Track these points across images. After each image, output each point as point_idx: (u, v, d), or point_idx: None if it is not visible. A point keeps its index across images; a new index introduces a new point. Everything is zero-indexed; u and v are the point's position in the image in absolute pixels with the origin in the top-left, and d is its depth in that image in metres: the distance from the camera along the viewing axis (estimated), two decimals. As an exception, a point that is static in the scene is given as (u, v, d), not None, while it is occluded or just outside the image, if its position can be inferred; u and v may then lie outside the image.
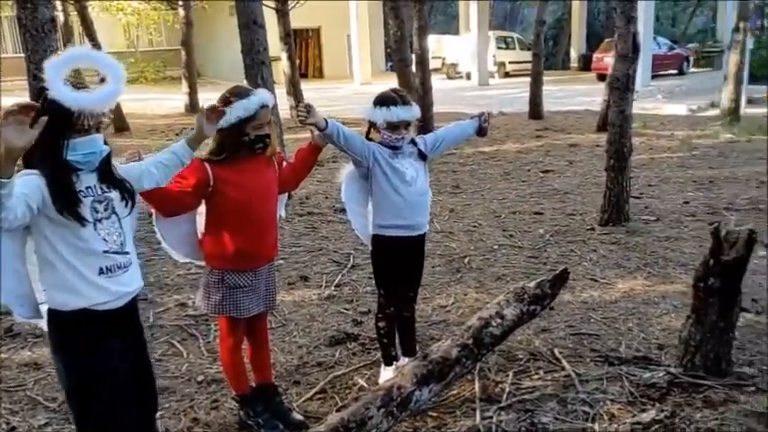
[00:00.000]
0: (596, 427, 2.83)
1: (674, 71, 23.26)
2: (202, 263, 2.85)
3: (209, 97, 3.31)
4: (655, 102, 15.87)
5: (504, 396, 3.09)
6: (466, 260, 5.10)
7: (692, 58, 24.95)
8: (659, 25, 27.91)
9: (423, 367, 2.80)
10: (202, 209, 2.76)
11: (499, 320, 2.91)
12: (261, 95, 2.67)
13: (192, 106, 15.03)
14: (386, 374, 3.24)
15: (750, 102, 16.37)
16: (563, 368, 3.34)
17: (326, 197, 7.16)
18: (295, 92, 11.83)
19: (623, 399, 3.02)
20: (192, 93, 15.47)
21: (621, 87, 5.69)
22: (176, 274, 4.82)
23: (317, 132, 2.90)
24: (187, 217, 2.78)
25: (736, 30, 12.52)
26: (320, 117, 2.81)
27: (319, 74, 26.85)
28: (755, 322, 3.78)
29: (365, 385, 3.28)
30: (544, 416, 2.94)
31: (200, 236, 2.82)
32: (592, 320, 3.94)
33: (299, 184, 3.14)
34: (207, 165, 2.63)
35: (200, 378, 3.40)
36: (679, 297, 4.19)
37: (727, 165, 8.69)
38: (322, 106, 11.59)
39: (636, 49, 5.68)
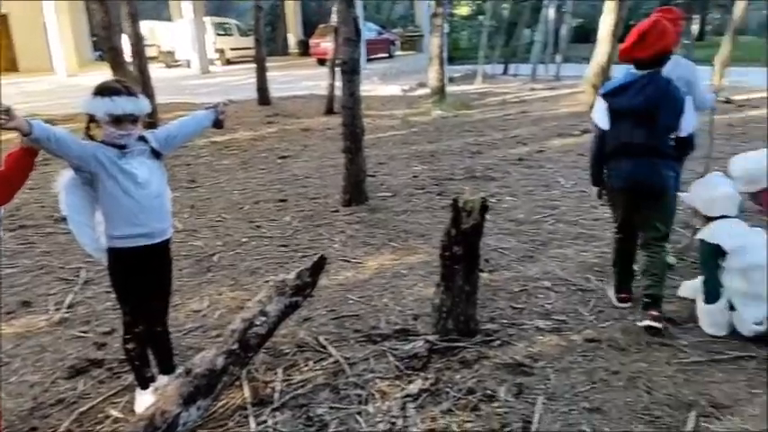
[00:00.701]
0: (370, 408, 2.85)
1: (385, 55, 24.97)
2: None
3: None
4: (372, 84, 16.85)
5: (277, 396, 2.96)
6: (215, 258, 4.83)
7: (397, 42, 27.06)
8: (366, 12, 29.73)
9: (187, 384, 2.53)
10: None
11: (263, 318, 2.76)
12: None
13: None
14: (144, 400, 2.88)
15: (451, 80, 18.28)
16: (330, 355, 3.32)
17: (42, 206, 6.24)
18: (-16, 87, 10.11)
19: (391, 374, 3.10)
20: None
21: (349, 70, 5.84)
22: None
23: (24, 138, 2.42)
24: None
25: (435, 15, 13.78)
26: (22, 120, 2.34)
27: (12, 67, 23.48)
28: (490, 280, 4.16)
29: (120, 416, 2.88)
30: (319, 407, 2.88)
31: None
32: (350, 301, 3.98)
33: (13, 195, 2.59)
34: None
35: None
36: (424, 266, 4.45)
37: (442, 139, 9.55)
38: (21, 103, 10.04)
39: (358, 32, 5.86)
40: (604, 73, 11.25)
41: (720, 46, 11.10)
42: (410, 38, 29.79)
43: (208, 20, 23.62)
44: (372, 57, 22.70)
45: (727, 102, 11.66)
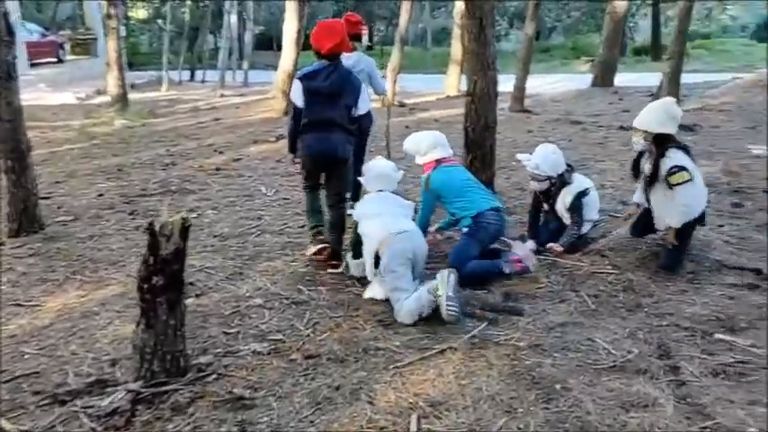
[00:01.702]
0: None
1: (53, 59, 22.27)
2: None
3: None
4: (38, 91, 14.86)
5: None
6: None
7: (67, 45, 24.35)
8: (26, 11, 26.18)
9: None
10: None
11: None
12: None
13: None
14: None
15: (133, 87, 17.07)
16: (3, 430, 2.65)
17: None
18: None
19: (87, 440, 2.58)
20: None
21: (4, 76, 4.88)
22: None
23: None
24: None
25: (108, 17, 12.63)
26: None
27: None
28: (198, 306, 3.80)
29: None
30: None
31: None
32: (27, 356, 3.27)
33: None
34: None
35: None
36: (119, 300, 3.90)
37: (130, 151, 8.74)
38: None
39: (10, 31, 4.93)
40: (291, 79, 11.44)
41: (390, 54, 12.17)
42: (82, 41, 27.05)
43: None
44: (37, 61, 20.04)
45: (401, 105, 12.86)
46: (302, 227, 5.26)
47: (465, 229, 4.30)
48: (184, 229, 2.94)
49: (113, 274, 4.37)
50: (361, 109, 4.37)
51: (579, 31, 34.35)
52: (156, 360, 2.95)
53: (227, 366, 3.13)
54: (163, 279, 2.90)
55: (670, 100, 4.28)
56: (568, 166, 4.62)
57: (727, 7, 33.26)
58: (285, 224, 5.39)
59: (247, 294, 3.99)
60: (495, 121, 5.57)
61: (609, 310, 3.70)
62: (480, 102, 5.40)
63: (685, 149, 4.11)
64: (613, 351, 3.18)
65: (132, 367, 3.00)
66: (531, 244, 4.61)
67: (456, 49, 14.75)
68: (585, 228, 4.64)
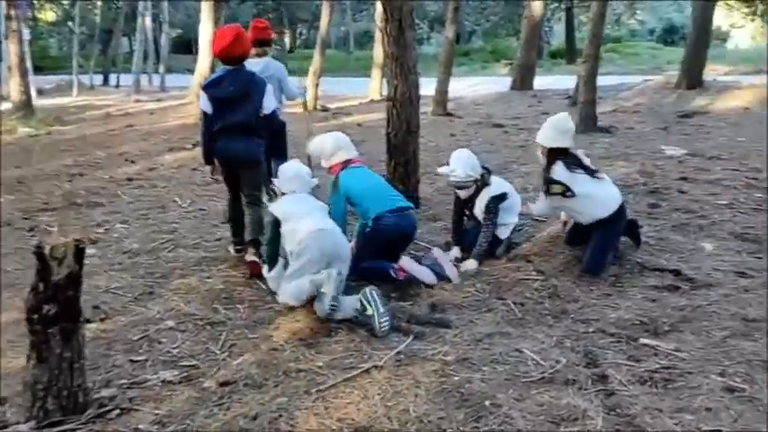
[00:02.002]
0: None
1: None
2: None
3: None
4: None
5: None
6: None
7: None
8: None
9: None
10: None
11: None
12: None
13: None
14: None
15: (41, 93, 16.15)
16: None
17: None
18: None
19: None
20: None
21: None
22: None
23: None
24: None
25: (9, 18, 11.86)
26: None
27: None
28: (102, 331, 3.50)
29: None
30: None
31: None
32: None
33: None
34: None
35: None
36: (14, 328, 3.53)
37: (32, 161, 8.16)
38: None
39: None
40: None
41: (311, 58, 11.96)
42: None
43: None
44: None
45: (324, 110, 12.66)
46: (219, 239, 5.01)
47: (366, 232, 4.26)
48: (79, 251, 2.66)
49: (9, 298, 3.98)
50: (267, 108, 4.42)
51: (498, 35, 35.16)
52: (49, 397, 2.66)
53: (132, 399, 2.86)
54: (55, 307, 2.62)
55: (563, 116, 4.41)
56: (485, 168, 4.59)
57: (636, 12, 34.81)
58: (201, 237, 5.11)
59: (158, 316, 3.71)
60: (417, 126, 5.47)
61: (535, 318, 3.65)
62: (402, 106, 5.28)
63: (570, 163, 4.20)
64: (542, 362, 3.10)
65: (23, 406, 2.69)
66: (455, 251, 4.53)
67: (378, 52, 14.68)
68: (506, 232, 4.60)
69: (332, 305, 3.48)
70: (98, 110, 13.64)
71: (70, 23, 24.14)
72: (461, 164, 4.47)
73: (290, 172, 4.15)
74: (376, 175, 4.57)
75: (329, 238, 3.79)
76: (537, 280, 4.10)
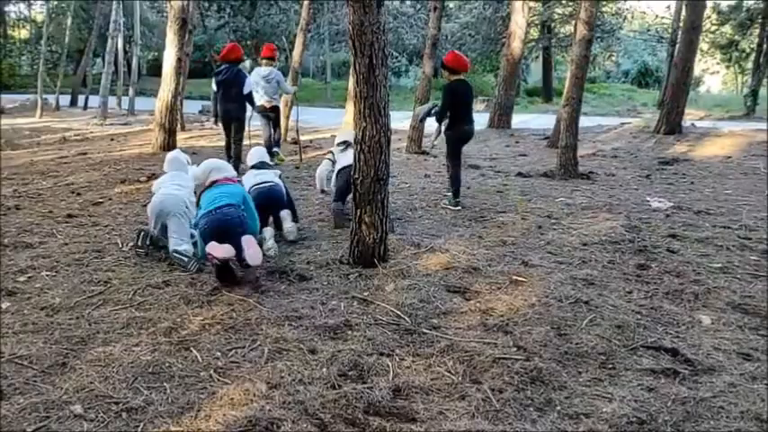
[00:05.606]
0: None
1: None
2: None
3: None
4: None
5: None
6: None
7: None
8: None
9: None
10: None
11: None
12: None
13: None
14: None
15: (3, 112, 15.46)
16: None
17: None
18: None
19: None
20: None
21: None
22: None
23: None
24: None
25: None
26: None
27: None
28: (-10, 419, 2.86)
29: None
30: None
31: None
32: None
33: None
34: None
35: None
36: None
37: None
38: None
39: None
40: (170, 111, 10.39)
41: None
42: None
43: None
44: None
45: (294, 143, 12.13)
46: (159, 288, 4.39)
47: None
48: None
49: None
50: (245, 90, 8.36)
51: (475, 71, 35.17)
52: None
53: None
54: None
55: None
56: None
57: (613, 54, 35.16)
58: (137, 290, 4.48)
59: (65, 398, 3.07)
60: (387, 174, 4.91)
61: (516, 411, 3.09)
62: (370, 151, 4.74)
63: None
64: (524, 478, 2.55)
65: None
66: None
67: (353, 84, 14.26)
68: None
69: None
70: (54, 133, 12.95)
71: (42, 42, 23.38)
72: None
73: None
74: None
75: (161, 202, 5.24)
76: (518, 360, 3.55)
